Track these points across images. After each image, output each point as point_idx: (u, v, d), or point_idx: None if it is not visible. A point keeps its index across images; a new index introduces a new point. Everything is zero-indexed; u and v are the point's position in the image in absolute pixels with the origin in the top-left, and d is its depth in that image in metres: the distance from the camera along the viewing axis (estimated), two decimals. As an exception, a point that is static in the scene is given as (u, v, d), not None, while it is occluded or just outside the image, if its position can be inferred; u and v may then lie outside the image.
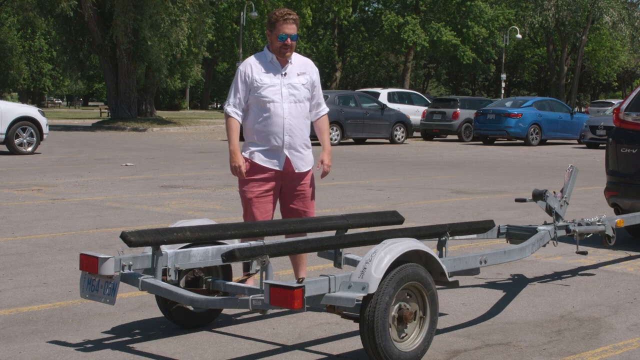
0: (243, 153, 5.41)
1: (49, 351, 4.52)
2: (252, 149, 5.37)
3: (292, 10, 5.90)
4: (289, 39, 5.29)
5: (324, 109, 5.61)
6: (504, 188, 13.29)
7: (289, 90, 5.36)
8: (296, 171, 5.40)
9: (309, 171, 5.49)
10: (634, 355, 4.62)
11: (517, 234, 5.88)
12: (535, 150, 25.57)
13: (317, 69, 5.57)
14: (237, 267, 5.26)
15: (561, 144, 29.56)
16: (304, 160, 5.44)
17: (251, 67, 5.36)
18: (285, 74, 5.37)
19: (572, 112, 30.12)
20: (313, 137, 5.46)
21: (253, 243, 4.70)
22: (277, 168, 5.36)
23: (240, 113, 5.38)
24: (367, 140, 27.78)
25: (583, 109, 59.55)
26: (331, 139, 24.78)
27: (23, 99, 69.01)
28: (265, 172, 5.35)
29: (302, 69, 5.44)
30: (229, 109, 5.38)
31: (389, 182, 13.94)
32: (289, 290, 3.84)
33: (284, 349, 4.65)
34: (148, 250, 4.57)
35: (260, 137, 5.36)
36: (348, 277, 4.15)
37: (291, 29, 5.30)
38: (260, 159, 5.35)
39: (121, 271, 4.41)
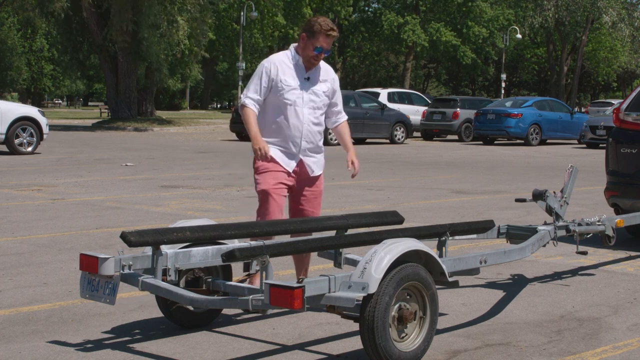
0: None
1: (49, 351, 4.52)
2: (269, 145, 5.33)
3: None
4: (323, 53, 5.27)
5: (344, 116, 5.62)
6: (504, 188, 13.29)
7: (310, 96, 5.33)
8: (310, 175, 5.41)
9: (321, 174, 5.51)
10: (634, 355, 4.62)
11: (517, 234, 5.88)
12: (535, 150, 25.57)
13: (337, 77, 5.55)
14: (237, 267, 5.26)
15: (561, 144, 29.56)
16: (317, 165, 5.45)
17: (277, 67, 5.30)
18: (308, 78, 5.34)
19: (572, 112, 30.13)
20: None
21: (253, 243, 4.70)
22: (291, 170, 5.35)
23: (258, 107, 5.30)
24: (367, 140, 27.78)
25: (583, 109, 59.54)
26: (331, 139, 24.88)
27: (23, 99, 69.00)
28: (281, 167, 5.34)
29: (325, 76, 5.42)
30: (249, 102, 5.27)
31: (389, 182, 13.94)
32: (289, 290, 3.85)
33: (284, 349, 4.65)
34: (148, 250, 4.57)
35: (278, 138, 5.33)
36: (348, 277, 4.15)
37: (329, 44, 5.28)
38: (276, 155, 5.32)
39: (121, 271, 4.41)
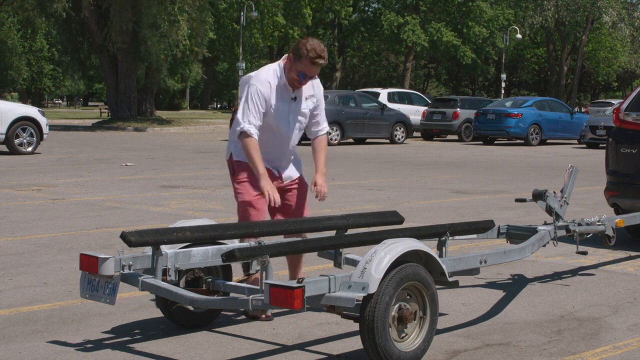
0: (235, 157, 5.22)
1: (49, 351, 4.52)
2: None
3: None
4: (307, 79, 5.08)
5: (325, 127, 5.36)
6: (504, 188, 13.29)
7: (296, 117, 5.19)
8: (291, 179, 5.33)
9: (298, 177, 5.38)
10: (634, 355, 4.62)
11: (517, 234, 5.88)
12: (535, 150, 25.57)
13: (322, 88, 5.35)
14: (237, 267, 5.26)
15: (561, 144, 29.56)
16: (294, 168, 5.35)
17: (269, 89, 5.04)
18: (294, 98, 5.15)
19: (572, 112, 30.13)
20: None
21: (253, 243, 4.71)
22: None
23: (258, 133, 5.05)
24: (367, 140, 27.78)
25: (583, 109, 59.55)
26: (331, 139, 24.79)
27: (23, 99, 69.01)
28: None
29: (311, 91, 5.21)
30: (253, 130, 4.96)
31: (389, 182, 13.94)
32: (289, 290, 3.85)
33: (284, 349, 4.65)
34: (148, 250, 4.57)
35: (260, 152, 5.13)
36: (348, 277, 4.15)
37: (315, 71, 5.05)
38: None
39: (121, 271, 4.41)
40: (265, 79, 5.07)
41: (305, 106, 5.21)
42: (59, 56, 47.09)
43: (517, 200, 6.45)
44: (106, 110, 48.26)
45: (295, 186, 5.37)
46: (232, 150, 5.26)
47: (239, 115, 5.03)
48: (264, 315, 5.20)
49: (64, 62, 41.81)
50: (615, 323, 5.27)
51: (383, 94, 31.78)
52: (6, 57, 62.08)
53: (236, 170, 5.25)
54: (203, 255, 4.72)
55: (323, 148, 5.32)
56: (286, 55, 5.16)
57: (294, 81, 5.07)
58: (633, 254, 7.71)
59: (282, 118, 5.12)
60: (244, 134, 4.98)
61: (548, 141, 29.28)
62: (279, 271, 6.25)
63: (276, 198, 4.96)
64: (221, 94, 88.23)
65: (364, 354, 4.23)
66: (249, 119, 4.99)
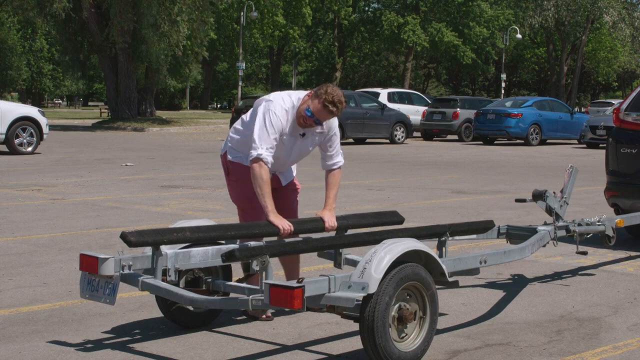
0: (230, 156, 5.20)
1: (49, 351, 4.52)
2: (242, 155, 5.14)
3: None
4: (313, 121, 4.94)
5: (339, 162, 5.21)
6: (504, 188, 13.29)
7: (300, 151, 5.14)
8: (284, 184, 5.30)
9: (293, 180, 5.37)
10: (634, 355, 4.62)
11: (517, 234, 5.88)
12: (535, 150, 25.57)
13: (336, 121, 5.16)
14: (237, 267, 5.26)
15: (561, 144, 29.56)
16: (289, 173, 5.33)
17: (286, 120, 4.94)
18: (303, 134, 5.08)
19: (572, 112, 30.11)
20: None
21: (253, 243, 4.70)
22: None
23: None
24: (367, 140, 27.78)
25: (583, 109, 59.54)
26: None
27: (23, 99, 68.99)
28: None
29: (321, 129, 5.08)
30: (268, 158, 4.84)
31: (389, 182, 13.94)
32: (288, 290, 3.85)
33: (284, 349, 4.65)
34: (148, 250, 4.57)
35: None
36: (348, 277, 4.15)
37: (323, 117, 4.92)
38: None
39: (121, 271, 4.41)
40: (283, 109, 4.96)
41: (311, 143, 5.13)
42: (59, 56, 47.11)
43: (517, 200, 6.45)
44: (106, 110, 48.25)
45: (292, 187, 5.38)
46: (228, 149, 5.24)
47: (256, 139, 4.86)
48: (264, 316, 5.20)
49: (64, 62, 41.83)
50: (615, 323, 5.27)
51: (383, 94, 31.77)
52: (6, 57, 62.07)
53: (231, 171, 5.25)
54: (203, 256, 4.72)
55: (336, 184, 5.18)
56: (307, 93, 5.04)
57: (299, 115, 4.94)
58: (633, 254, 7.71)
59: (287, 149, 5.07)
60: (259, 160, 4.82)
61: (548, 141, 29.26)
62: (279, 271, 6.25)
63: (290, 228, 4.87)
64: (221, 94, 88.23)
65: (364, 354, 4.23)
66: (267, 147, 4.84)
